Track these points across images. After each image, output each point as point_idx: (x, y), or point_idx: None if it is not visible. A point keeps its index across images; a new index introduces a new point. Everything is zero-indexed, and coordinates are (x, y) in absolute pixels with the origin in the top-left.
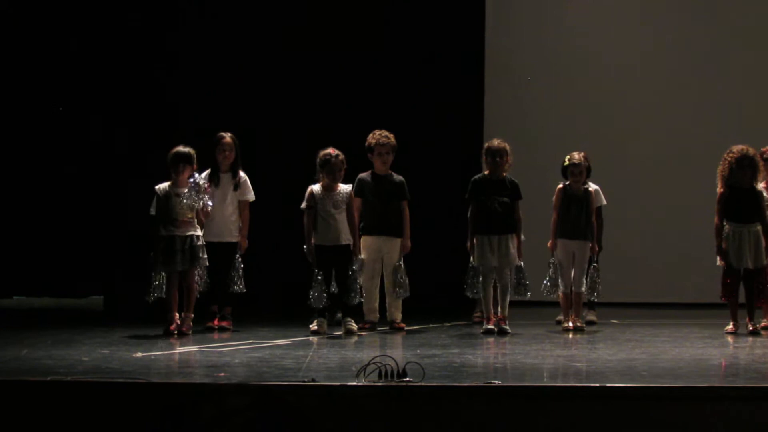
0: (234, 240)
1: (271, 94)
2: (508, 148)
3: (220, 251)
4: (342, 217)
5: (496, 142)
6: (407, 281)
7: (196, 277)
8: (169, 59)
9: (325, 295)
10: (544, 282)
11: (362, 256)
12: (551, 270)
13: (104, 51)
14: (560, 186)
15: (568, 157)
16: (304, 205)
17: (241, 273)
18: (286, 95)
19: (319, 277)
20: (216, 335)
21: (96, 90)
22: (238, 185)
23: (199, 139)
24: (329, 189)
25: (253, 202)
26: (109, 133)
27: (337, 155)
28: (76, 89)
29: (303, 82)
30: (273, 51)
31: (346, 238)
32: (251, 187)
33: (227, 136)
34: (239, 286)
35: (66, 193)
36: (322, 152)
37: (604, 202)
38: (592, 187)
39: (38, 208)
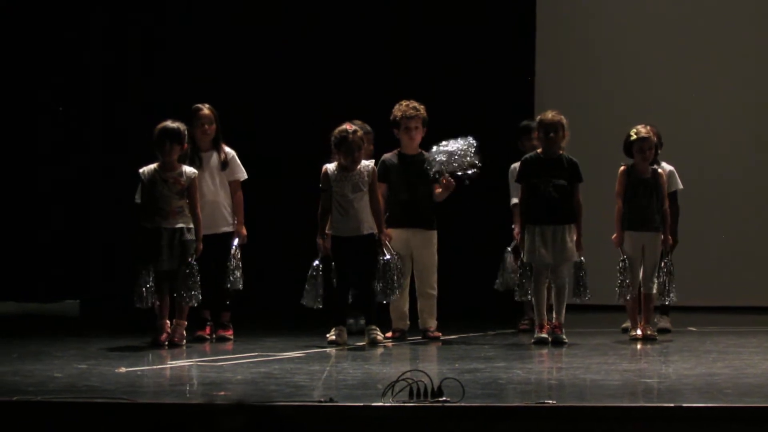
0: (228, 230)
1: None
2: (564, 121)
3: (212, 245)
4: (363, 203)
5: (549, 115)
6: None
7: (189, 289)
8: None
9: (321, 292)
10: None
11: (387, 254)
12: (622, 267)
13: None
14: (623, 168)
15: (634, 130)
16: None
17: (240, 266)
18: (305, 57)
19: (321, 272)
20: (208, 346)
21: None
22: (226, 163)
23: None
24: (347, 169)
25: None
26: (80, 119)
27: (355, 131)
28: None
29: (326, 42)
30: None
31: (369, 227)
32: (241, 164)
33: (205, 108)
34: (238, 284)
35: (32, 181)
36: (338, 129)
37: (680, 186)
38: (666, 168)
39: None
